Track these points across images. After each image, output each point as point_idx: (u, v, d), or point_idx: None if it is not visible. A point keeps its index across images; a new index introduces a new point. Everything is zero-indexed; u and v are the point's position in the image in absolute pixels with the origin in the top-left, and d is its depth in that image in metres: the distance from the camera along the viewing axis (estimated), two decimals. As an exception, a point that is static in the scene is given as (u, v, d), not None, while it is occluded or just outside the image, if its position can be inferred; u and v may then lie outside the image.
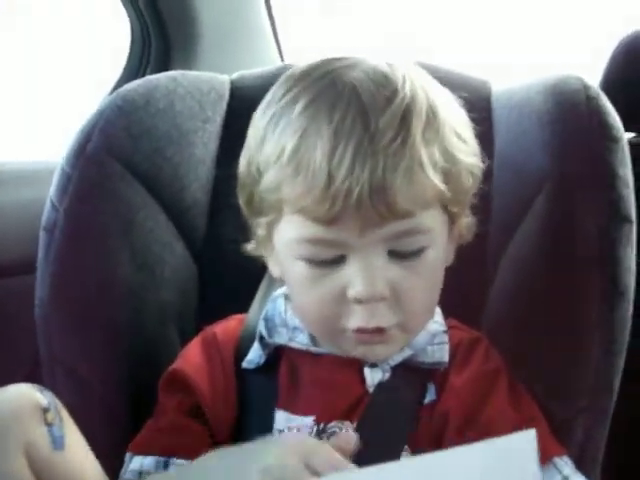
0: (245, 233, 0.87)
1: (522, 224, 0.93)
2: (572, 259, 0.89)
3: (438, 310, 0.87)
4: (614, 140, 0.90)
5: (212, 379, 0.86)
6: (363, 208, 0.72)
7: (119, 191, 0.96)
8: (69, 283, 0.95)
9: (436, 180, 0.75)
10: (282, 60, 1.55)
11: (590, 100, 0.92)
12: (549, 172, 0.92)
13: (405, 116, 0.74)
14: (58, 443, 0.75)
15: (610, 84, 1.28)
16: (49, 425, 0.75)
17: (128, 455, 0.85)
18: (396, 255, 0.76)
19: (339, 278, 0.76)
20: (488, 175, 0.95)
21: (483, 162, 0.83)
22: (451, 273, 0.84)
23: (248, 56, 1.51)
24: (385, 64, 0.79)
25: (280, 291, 0.90)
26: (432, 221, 0.77)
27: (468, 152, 0.80)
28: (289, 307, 0.87)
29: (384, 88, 0.75)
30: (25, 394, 0.76)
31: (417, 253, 0.77)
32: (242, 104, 1.05)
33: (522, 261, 0.93)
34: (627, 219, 0.89)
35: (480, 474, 0.55)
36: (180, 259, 1.00)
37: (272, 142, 0.77)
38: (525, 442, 0.54)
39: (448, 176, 0.76)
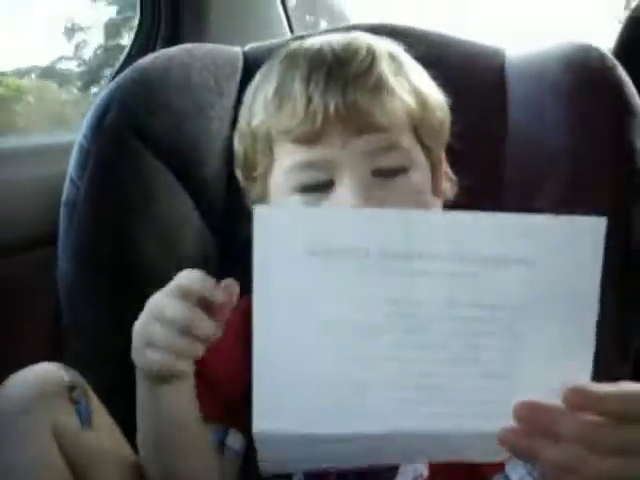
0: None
1: (538, 195, 0.93)
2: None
3: None
4: (632, 114, 0.90)
5: (226, 352, 0.86)
6: (341, 121, 0.80)
7: (138, 166, 0.97)
8: (92, 257, 0.96)
9: (404, 96, 0.83)
10: (292, 32, 1.54)
11: (608, 72, 0.92)
12: (566, 145, 0.92)
13: (368, 51, 0.84)
14: (85, 421, 0.76)
15: (622, 52, 1.26)
16: (76, 403, 0.77)
17: None
18: (380, 174, 0.81)
19: (331, 202, 0.81)
20: (501, 144, 0.95)
21: (496, 132, 0.84)
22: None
23: (258, 27, 1.50)
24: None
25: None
26: (408, 142, 0.83)
27: (432, 89, 0.87)
28: None
29: (348, 37, 0.87)
30: (50, 373, 0.77)
31: (400, 172, 0.82)
32: (254, 77, 1.04)
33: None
34: (645, 192, 0.89)
35: (548, 243, 0.56)
36: (199, 233, 1.01)
37: (259, 96, 0.87)
38: (596, 224, 0.56)
39: (415, 98, 0.84)
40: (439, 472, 0.78)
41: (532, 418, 0.57)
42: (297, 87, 0.82)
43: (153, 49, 1.38)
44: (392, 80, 0.83)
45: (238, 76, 1.06)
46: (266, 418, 0.58)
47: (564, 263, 0.57)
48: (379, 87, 0.82)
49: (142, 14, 1.48)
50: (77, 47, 1.94)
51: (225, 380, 0.84)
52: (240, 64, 1.07)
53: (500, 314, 0.57)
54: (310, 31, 1.12)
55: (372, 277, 0.56)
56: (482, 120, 0.87)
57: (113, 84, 0.99)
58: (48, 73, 1.97)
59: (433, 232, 0.57)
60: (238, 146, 0.90)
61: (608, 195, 0.89)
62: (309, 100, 0.80)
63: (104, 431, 0.79)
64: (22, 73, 1.88)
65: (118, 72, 1.08)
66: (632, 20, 1.29)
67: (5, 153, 1.15)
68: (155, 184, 0.97)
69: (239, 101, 1.03)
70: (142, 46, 1.45)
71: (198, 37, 1.40)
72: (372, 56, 0.84)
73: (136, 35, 1.48)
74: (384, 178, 0.81)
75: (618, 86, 0.91)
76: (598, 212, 0.57)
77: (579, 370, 0.58)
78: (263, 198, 0.87)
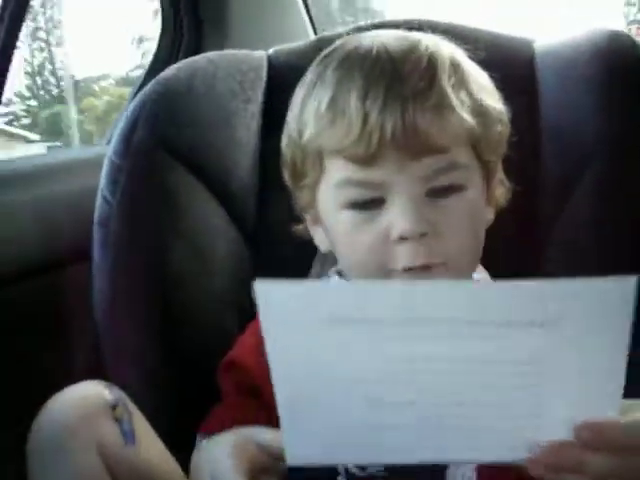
0: (294, 213, 0.88)
1: (577, 190, 0.91)
2: (632, 222, 0.88)
3: (486, 275, 0.87)
4: (667, 100, 0.88)
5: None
6: (398, 144, 0.75)
7: (168, 180, 0.96)
8: (127, 275, 0.96)
9: (464, 115, 0.78)
10: (315, 33, 1.53)
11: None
12: (603, 138, 0.90)
13: (430, 63, 0.79)
14: (129, 438, 0.76)
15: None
16: (118, 421, 0.76)
17: (198, 437, 0.85)
18: (435, 193, 0.78)
19: (382, 221, 0.78)
20: (535, 140, 0.94)
21: (529, 129, 0.83)
22: (502, 240, 0.83)
23: (280, 30, 1.49)
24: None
25: (333, 270, 0.90)
26: (466, 159, 0.79)
27: (494, 99, 0.83)
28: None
29: (407, 41, 0.81)
30: (92, 392, 0.77)
31: (455, 190, 0.78)
32: (281, 80, 1.04)
33: (579, 227, 0.91)
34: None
35: (575, 309, 0.55)
36: (233, 244, 1.00)
37: (310, 103, 0.81)
38: (624, 287, 0.53)
39: (476, 115, 0.79)
40: (488, 477, 0.77)
41: (557, 460, 0.58)
42: (353, 102, 0.77)
43: (175, 60, 1.37)
44: (454, 98, 0.78)
45: (263, 81, 1.05)
46: (297, 456, 0.62)
47: (590, 323, 0.55)
48: (440, 106, 0.77)
49: (163, 25, 1.48)
50: (143, 55, 1.97)
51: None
52: (265, 68, 1.07)
53: (520, 369, 0.57)
54: (339, 30, 1.10)
55: (388, 342, 0.57)
56: (514, 114, 0.86)
57: (138, 99, 0.99)
58: (124, 81, 2.00)
59: (445, 301, 0.56)
60: (286, 152, 0.86)
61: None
62: (365, 119, 0.76)
63: (148, 447, 0.79)
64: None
65: (142, 86, 1.08)
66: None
67: (35, 169, 1.17)
68: (186, 197, 0.97)
69: (266, 105, 1.04)
70: (165, 58, 1.45)
71: (220, 45, 1.40)
72: (434, 69, 0.78)
73: (158, 47, 1.49)
74: (438, 197, 0.78)
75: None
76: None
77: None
78: (311, 206, 0.85)
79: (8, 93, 1.52)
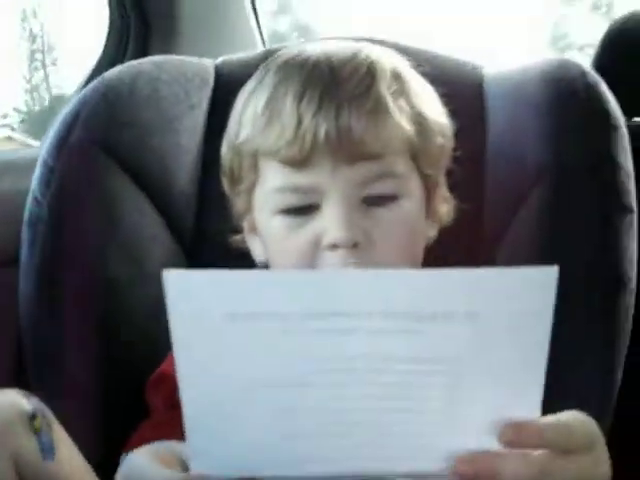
0: (232, 223, 0.87)
1: (519, 214, 0.91)
2: (574, 250, 0.87)
3: None
4: (614, 129, 0.88)
5: None
6: (332, 147, 0.75)
7: (104, 182, 0.93)
8: (55, 278, 0.92)
9: (402, 122, 0.78)
10: (264, 45, 1.52)
11: (589, 88, 0.90)
12: (548, 163, 0.89)
13: (369, 70, 0.78)
14: (48, 451, 0.72)
15: (602, 68, 1.26)
16: (37, 433, 0.73)
17: (122, 456, 0.82)
18: (370, 202, 0.77)
19: (315, 227, 0.77)
20: (480, 162, 0.94)
21: (475, 150, 0.84)
22: (444, 261, 0.82)
23: (229, 40, 1.48)
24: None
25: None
26: (403, 168, 0.79)
27: (437, 112, 0.82)
28: None
29: (349, 50, 0.81)
30: (9, 401, 0.73)
31: (391, 199, 0.78)
32: (227, 89, 1.01)
33: (520, 250, 0.91)
34: (629, 209, 0.87)
35: (497, 299, 0.53)
36: (169, 252, 0.98)
37: (249, 106, 0.81)
38: (546, 276, 0.52)
39: (415, 124, 0.79)
40: None
41: (473, 471, 0.56)
42: (288, 105, 0.77)
43: (121, 62, 1.35)
44: (391, 104, 0.78)
45: (210, 88, 1.04)
46: (202, 465, 0.57)
47: (511, 314, 0.53)
48: (376, 111, 0.77)
49: (110, 26, 1.45)
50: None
51: None
52: (212, 77, 1.05)
53: (439, 367, 0.54)
54: (284, 43, 1.09)
55: (295, 338, 0.54)
56: (461, 137, 0.85)
57: (78, 98, 0.96)
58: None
59: (358, 292, 0.53)
60: (225, 157, 0.85)
61: (592, 209, 0.88)
62: (299, 121, 0.76)
63: (69, 462, 0.75)
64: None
65: (84, 86, 1.05)
66: (611, 32, 1.29)
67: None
68: (122, 201, 0.94)
69: (211, 113, 1.02)
70: (109, 61, 1.43)
71: (167, 50, 1.38)
72: (372, 75, 0.78)
73: (103, 50, 1.46)
74: (373, 206, 0.77)
75: (599, 101, 0.90)
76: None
77: (527, 416, 0.56)
78: (247, 213, 0.85)
79: (6, 108, 1.63)
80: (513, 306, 0.53)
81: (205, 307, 0.53)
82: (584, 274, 0.87)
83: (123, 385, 0.91)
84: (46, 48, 1.66)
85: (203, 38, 1.45)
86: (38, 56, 1.68)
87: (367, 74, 0.78)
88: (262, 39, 1.53)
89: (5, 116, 1.76)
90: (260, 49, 1.42)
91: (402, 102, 0.79)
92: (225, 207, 0.87)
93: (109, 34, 1.46)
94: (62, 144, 0.93)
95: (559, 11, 2.41)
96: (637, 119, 1.39)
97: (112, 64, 1.33)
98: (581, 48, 2.38)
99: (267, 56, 0.95)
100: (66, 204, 0.92)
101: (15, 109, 1.64)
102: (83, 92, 0.97)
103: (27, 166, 0.99)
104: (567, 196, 0.88)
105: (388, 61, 0.81)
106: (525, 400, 0.55)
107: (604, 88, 0.91)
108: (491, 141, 0.96)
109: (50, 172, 0.92)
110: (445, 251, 0.85)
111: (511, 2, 2.26)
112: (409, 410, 0.56)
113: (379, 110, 0.77)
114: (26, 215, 0.94)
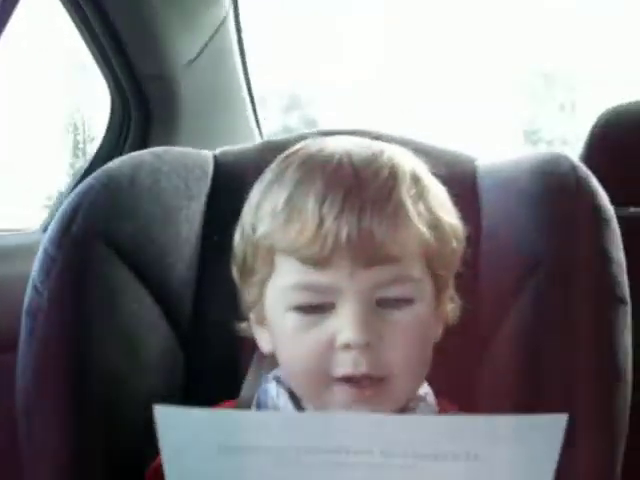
0: (232, 312, 0.87)
1: (516, 304, 0.92)
2: (569, 341, 0.88)
3: (429, 390, 0.86)
4: (605, 222, 0.90)
5: None
6: (352, 249, 0.75)
7: (104, 273, 0.93)
8: (53, 369, 0.91)
9: (420, 226, 0.78)
10: (261, 137, 1.55)
11: (580, 181, 0.92)
12: (542, 255, 0.91)
13: (391, 173, 0.79)
14: None
15: (590, 160, 1.28)
16: None
17: None
18: (385, 304, 0.77)
19: (328, 326, 0.77)
20: (475, 254, 0.95)
21: (469, 241, 0.85)
22: (441, 353, 0.82)
23: (228, 131, 1.50)
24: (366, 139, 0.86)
25: (271, 374, 0.88)
26: (419, 272, 0.79)
27: (451, 215, 0.83)
28: (281, 392, 0.85)
29: (370, 150, 0.81)
30: None
31: (406, 303, 0.78)
32: (226, 181, 1.04)
33: (517, 342, 0.91)
34: (622, 300, 0.88)
35: (503, 443, 0.53)
36: (166, 342, 0.97)
37: (267, 200, 0.81)
38: (554, 424, 0.52)
39: (432, 230, 0.79)
40: None
41: None
42: (310, 205, 0.76)
43: (121, 153, 1.37)
44: (411, 209, 0.78)
45: (209, 180, 1.05)
46: None
47: (514, 457, 0.54)
48: (396, 216, 0.77)
49: (111, 117, 1.48)
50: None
51: None
52: (211, 168, 1.06)
53: None
54: (281, 136, 1.11)
55: (289, 471, 0.55)
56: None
57: (79, 189, 0.96)
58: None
59: (359, 432, 0.54)
60: (237, 247, 0.85)
61: (586, 300, 0.88)
62: (321, 222, 0.76)
63: None
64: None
65: (84, 176, 1.06)
66: (599, 123, 1.32)
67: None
68: (121, 292, 0.94)
69: (210, 204, 1.03)
70: (109, 150, 1.45)
71: (167, 142, 1.40)
72: (394, 178, 0.79)
73: (104, 138, 1.48)
74: (388, 307, 0.78)
75: (590, 195, 0.91)
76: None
77: None
78: (256, 304, 0.84)
79: (53, 191, 1.81)
80: (517, 450, 0.53)
81: (197, 440, 0.55)
82: (579, 367, 0.87)
83: (120, 474, 0.90)
84: (87, 139, 1.82)
85: (203, 131, 1.47)
86: (80, 146, 1.86)
87: (389, 177, 0.78)
88: (260, 131, 1.56)
89: (51, 198, 1.90)
90: (258, 140, 1.45)
91: (421, 206, 0.79)
92: (222, 297, 0.87)
93: (109, 124, 1.48)
94: (64, 234, 0.93)
95: (531, 110, 2.64)
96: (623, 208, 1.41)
97: (111, 154, 1.36)
98: (550, 142, 2.64)
99: (265, 148, 0.97)
100: (66, 295, 0.92)
101: (59, 192, 1.77)
102: (85, 182, 0.97)
103: (26, 250, 0.99)
104: (560, 289, 0.89)
105: (408, 164, 0.82)
106: None
107: (594, 182, 0.93)
108: (485, 233, 0.97)
109: (51, 262, 0.92)
110: (444, 343, 0.84)
111: (488, 103, 2.39)
112: None
113: (399, 214, 0.77)
114: (26, 303, 0.93)
